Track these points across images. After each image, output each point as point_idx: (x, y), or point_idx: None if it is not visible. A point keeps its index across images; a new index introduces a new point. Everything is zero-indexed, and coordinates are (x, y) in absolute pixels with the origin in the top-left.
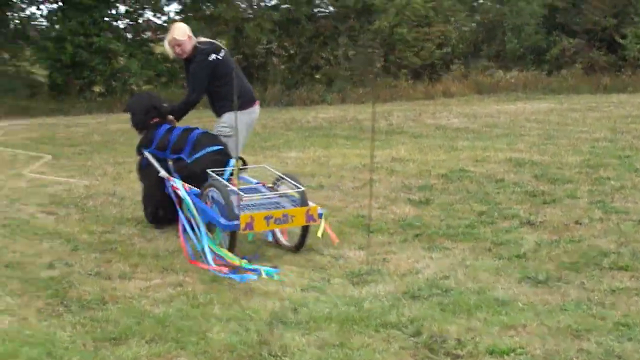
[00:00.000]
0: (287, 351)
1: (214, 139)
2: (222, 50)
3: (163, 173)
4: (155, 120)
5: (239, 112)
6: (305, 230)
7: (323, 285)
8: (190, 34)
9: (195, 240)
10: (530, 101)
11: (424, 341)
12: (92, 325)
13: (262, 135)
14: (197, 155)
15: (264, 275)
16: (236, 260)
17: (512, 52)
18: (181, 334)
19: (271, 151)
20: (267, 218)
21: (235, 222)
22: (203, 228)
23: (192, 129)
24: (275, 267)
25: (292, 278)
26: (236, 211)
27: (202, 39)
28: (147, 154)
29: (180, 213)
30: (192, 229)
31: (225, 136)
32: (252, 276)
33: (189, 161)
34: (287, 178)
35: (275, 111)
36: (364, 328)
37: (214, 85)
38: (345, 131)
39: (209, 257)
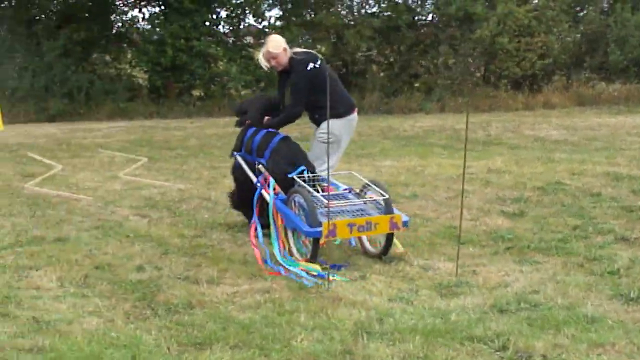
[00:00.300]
0: None
1: (294, 150)
2: (319, 59)
3: (252, 177)
4: (248, 122)
5: (339, 119)
6: (389, 238)
7: (410, 296)
8: (286, 45)
9: (264, 246)
10: (633, 115)
11: (509, 356)
12: (178, 330)
13: (358, 143)
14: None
15: (331, 278)
16: (315, 271)
17: (616, 64)
18: (265, 341)
19: (366, 159)
20: (350, 225)
21: (318, 229)
22: (275, 235)
23: (274, 134)
24: (344, 264)
25: (379, 288)
26: (320, 218)
27: (298, 50)
28: (237, 157)
29: (255, 217)
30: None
31: (325, 142)
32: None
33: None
34: (373, 185)
35: (372, 119)
36: (449, 341)
37: (313, 94)
38: (442, 140)
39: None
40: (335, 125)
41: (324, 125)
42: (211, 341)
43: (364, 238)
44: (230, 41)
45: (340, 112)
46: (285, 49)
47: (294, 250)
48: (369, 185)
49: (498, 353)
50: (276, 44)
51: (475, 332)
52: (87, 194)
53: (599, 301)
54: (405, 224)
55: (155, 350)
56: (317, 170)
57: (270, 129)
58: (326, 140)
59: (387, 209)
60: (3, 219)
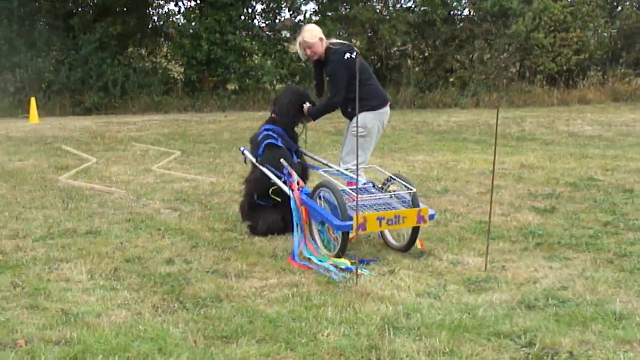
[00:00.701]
0: (395, 357)
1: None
2: (355, 50)
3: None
4: (272, 116)
5: (372, 112)
6: (415, 231)
7: (438, 291)
8: (322, 35)
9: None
10: None
11: (535, 352)
12: (205, 323)
13: (392, 138)
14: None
15: (360, 272)
16: (344, 265)
17: None
18: (292, 335)
19: (399, 154)
20: (379, 219)
21: (349, 223)
22: (299, 229)
23: (267, 137)
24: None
25: (408, 282)
26: (349, 212)
27: (334, 40)
28: (245, 151)
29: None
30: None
31: (359, 136)
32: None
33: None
34: (398, 179)
35: (407, 113)
36: (476, 336)
37: (349, 85)
38: (476, 136)
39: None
40: (367, 118)
41: (358, 117)
42: (238, 335)
43: (387, 231)
44: (266, 35)
45: (373, 105)
46: (321, 39)
47: (320, 244)
48: (392, 179)
49: (524, 349)
50: (312, 33)
51: (502, 328)
52: (120, 187)
53: (628, 297)
54: (431, 217)
55: (181, 343)
56: (350, 165)
57: (267, 131)
58: (360, 134)
59: (414, 202)
60: (36, 211)
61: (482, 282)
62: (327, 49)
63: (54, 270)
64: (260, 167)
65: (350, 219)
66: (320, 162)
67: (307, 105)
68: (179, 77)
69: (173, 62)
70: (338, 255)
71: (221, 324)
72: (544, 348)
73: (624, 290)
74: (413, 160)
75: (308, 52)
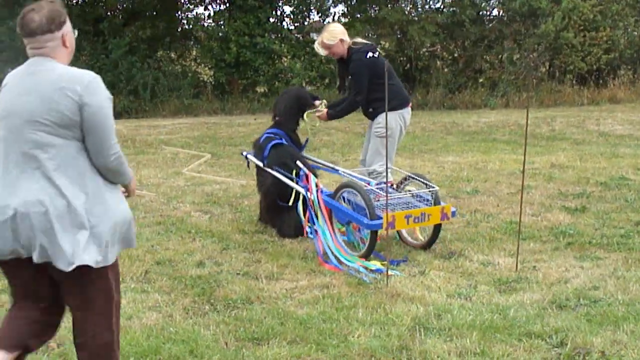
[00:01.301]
0: (426, 357)
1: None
2: (377, 50)
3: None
4: (277, 119)
5: (393, 112)
6: (437, 228)
7: (469, 291)
8: (344, 36)
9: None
10: None
11: (567, 353)
12: (236, 325)
13: (421, 139)
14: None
15: (390, 273)
16: (373, 266)
17: None
18: (322, 337)
19: (429, 154)
20: (407, 217)
21: (379, 222)
22: (327, 231)
23: (271, 139)
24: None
25: (438, 283)
26: (377, 211)
27: (358, 40)
28: (248, 155)
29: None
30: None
31: (381, 137)
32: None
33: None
34: (417, 177)
35: (436, 114)
36: (507, 337)
37: (370, 85)
38: (506, 136)
39: (332, 257)
40: (389, 118)
41: (379, 119)
42: (269, 336)
43: (404, 230)
44: (294, 37)
45: (394, 104)
46: (341, 40)
47: (343, 244)
48: (411, 178)
49: (556, 349)
50: (331, 35)
51: (533, 328)
52: (151, 190)
53: None
54: (453, 214)
55: (212, 345)
56: (376, 166)
57: (269, 134)
58: (383, 135)
59: (436, 200)
60: None
61: (513, 282)
62: (349, 48)
63: None
64: (269, 170)
65: (379, 218)
66: (324, 164)
67: (323, 108)
68: (208, 80)
69: (202, 65)
70: (367, 254)
71: (252, 325)
72: (575, 348)
73: None
74: (443, 161)
75: (327, 51)
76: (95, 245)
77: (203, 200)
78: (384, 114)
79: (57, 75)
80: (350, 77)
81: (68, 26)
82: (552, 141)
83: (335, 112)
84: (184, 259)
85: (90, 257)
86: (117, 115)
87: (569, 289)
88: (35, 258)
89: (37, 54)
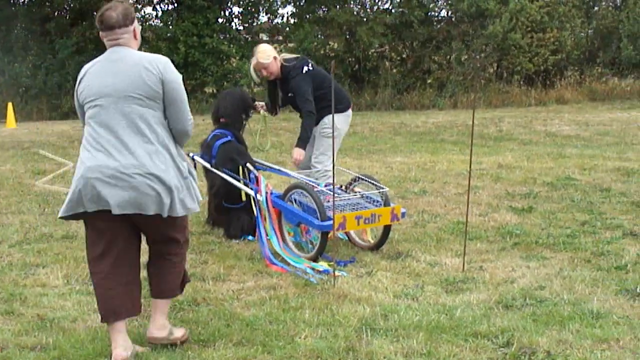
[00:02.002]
0: (373, 358)
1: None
2: (310, 61)
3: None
4: (222, 120)
5: (341, 114)
6: (387, 229)
7: (416, 292)
8: (275, 54)
9: (267, 244)
10: None
11: (513, 352)
12: (182, 326)
13: (370, 139)
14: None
15: (337, 274)
16: (321, 267)
17: (628, 59)
18: (269, 338)
19: (377, 155)
20: (357, 218)
21: (329, 223)
22: (273, 232)
23: (218, 137)
24: (350, 260)
25: (385, 284)
26: (328, 212)
27: (286, 56)
28: (196, 158)
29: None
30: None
31: (328, 137)
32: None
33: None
34: (367, 179)
35: (385, 115)
36: (453, 337)
37: (313, 95)
38: (454, 137)
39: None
40: (338, 120)
41: (325, 120)
42: (215, 338)
43: (353, 232)
44: (244, 38)
45: (341, 108)
46: (275, 57)
47: (292, 246)
48: (360, 179)
49: (502, 349)
50: (265, 54)
51: (479, 328)
52: None
53: (605, 297)
54: (403, 215)
55: (158, 347)
56: (323, 165)
57: (216, 132)
58: (330, 135)
59: (386, 201)
60: (12, 216)
61: (460, 282)
62: (283, 67)
63: (30, 275)
64: (216, 171)
65: (330, 219)
66: (271, 167)
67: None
68: None
69: None
70: (316, 256)
71: (198, 327)
72: (521, 348)
73: (601, 289)
74: (391, 162)
75: (264, 73)
76: (191, 197)
77: None
78: (329, 116)
79: (138, 58)
80: (291, 95)
81: (136, 22)
82: (499, 141)
83: (304, 137)
84: None
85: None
86: (64, 116)
87: (515, 288)
88: (140, 210)
89: (114, 44)
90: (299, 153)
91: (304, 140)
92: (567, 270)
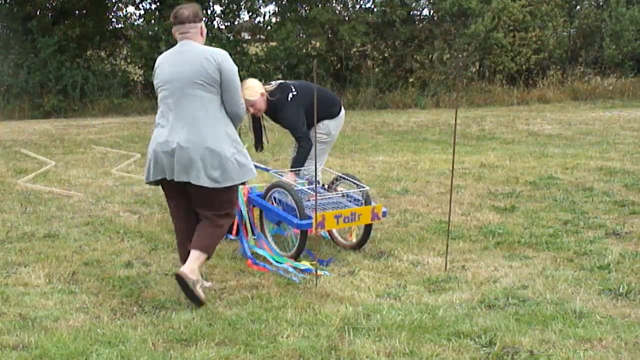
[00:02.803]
0: (355, 358)
1: None
2: (290, 85)
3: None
4: None
5: (334, 119)
6: (369, 228)
7: (399, 291)
8: (262, 90)
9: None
10: (627, 109)
11: (495, 352)
12: (164, 326)
13: (352, 138)
14: None
15: (319, 273)
16: (302, 267)
17: (611, 58)
18: (251, 337)
19: (359, 154)
20: (336, 217)
21: (309, 221)
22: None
23: None
24: (331, 259)
25: (368, 283)
26: (307, 211)
27: (268, 87)
28: None
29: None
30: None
31: (322, 142)
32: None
33: None
34: (348, 178)
35: (367, 114)
36: (436, 337)
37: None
38: (436, 136)
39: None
40: (331, 125)
41: (320, 125)
42: (197, 337)
43: (335, 231)
44: (225, 37)
45: (335, 110)
46: (262, 94)
47: (273, 244)
48: (342, 179)
49: (484, 349)
50: (253, 90)
51: (462, 328)
52: (79, 190)
53: (588, 296)
54: (384, 214)
55: (140, 346)
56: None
57: None
58: (324, 140)
59: (367, 200)
60: None
61: (442, 282)
62: (268, 100)
63: (12, 274)
64: None
65: (309, 217)
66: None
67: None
68: (138, 80)
69: (132, 64)
70: (297, 255)
71: (180, 326)
72: (504, 347)
73: (584, 288)
74: (373, 161)
75: (251, 110)
76: (238, 173)
77: (132, 201)
78: (326, 121)
79: (201, 51)
80: (282, 123)
81: (203, 21)
82: (481, 141)
83: (299, 160)
84: (112, 259)
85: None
86: (46, 114)
87: (497, 288)
88: (192, 180)
89: (184, 38)
90: (292, 177)
91: (298, 163)
92: (550, 270)
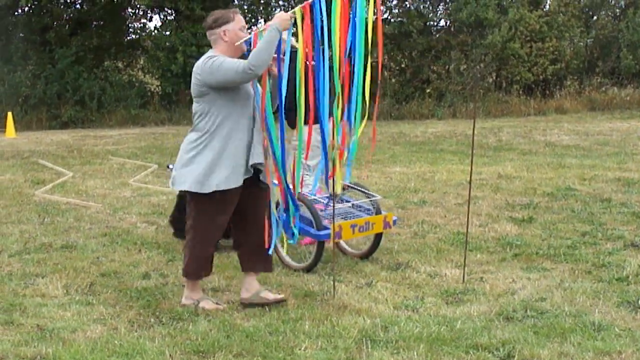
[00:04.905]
0: None
1: None
2: None
3: None
4: None
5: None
6: (379, 237)
7: (416, 303)
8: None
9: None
10: None
11: None
12: (181, 337)
13: (368, 149)
14: None
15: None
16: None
17: (628, 68)
18: (269, 349)
19: (376, 165)
20: (352, 226)
21: (327, 232)
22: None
23: None
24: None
25: (385, 295)
26: (323, 222)
27: None
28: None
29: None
30: None
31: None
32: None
33: None
34: (357, 187)
35: (383, 125)
36: (454, 349)
37: None
38: (453, 146)
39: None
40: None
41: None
42: (214, 349)
43: (342, 241)
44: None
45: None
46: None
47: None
48: (351, 188)
49: None
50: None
51: (480, 340)
52: (96, 201)
53: (607, 308)
54: (394, 222)
55: (158, 358)
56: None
57: None
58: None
59: (377, 209)
60: (12, 226)
61: (460, 294)
62: None
63: (30, 285)
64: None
65: (327, 228)
66: None
67: None
68: (155, 90)
69: (149, 75)
70: (312, 266)
71: (198, 338)
72: None
73: (602, 301)
74: (390, 172)
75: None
76: None
77: (149, 211)
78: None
79: (196, 66)
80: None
81: (230, 25)
82: (499, 151)
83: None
84: (129, 270)
85: None
86: (64, 125)
87: (515, 300)
88: None
89: (211, 43)
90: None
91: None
92: (568, 282)
